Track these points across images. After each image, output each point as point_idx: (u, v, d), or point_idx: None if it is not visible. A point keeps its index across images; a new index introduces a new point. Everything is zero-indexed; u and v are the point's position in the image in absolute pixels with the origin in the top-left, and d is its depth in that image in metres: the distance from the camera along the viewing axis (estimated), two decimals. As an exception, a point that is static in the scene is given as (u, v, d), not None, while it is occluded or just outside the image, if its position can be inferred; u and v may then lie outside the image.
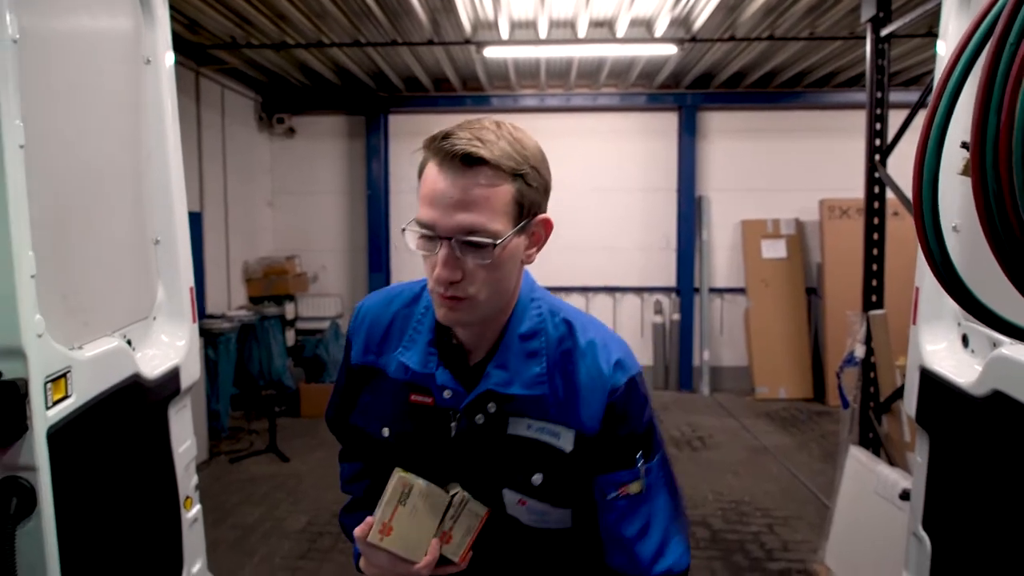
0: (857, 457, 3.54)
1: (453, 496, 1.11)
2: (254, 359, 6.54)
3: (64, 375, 1.35)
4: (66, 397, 1.36)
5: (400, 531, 1.08)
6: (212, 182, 6.61)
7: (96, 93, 1.65)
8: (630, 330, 7.93)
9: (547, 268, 7.72)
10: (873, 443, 3.68)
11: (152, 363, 1.81)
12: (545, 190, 1.09)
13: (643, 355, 7.87)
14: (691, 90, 7.59)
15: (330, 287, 8.04)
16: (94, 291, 1.61)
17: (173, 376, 1.88)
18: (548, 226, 1.11)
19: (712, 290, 7.85)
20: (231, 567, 3.71)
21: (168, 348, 1.94)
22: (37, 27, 1.35)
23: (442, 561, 1.12)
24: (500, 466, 1.14)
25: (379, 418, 1.21)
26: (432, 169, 1.03)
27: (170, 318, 1.99)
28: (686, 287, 7.78)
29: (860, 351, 3.74)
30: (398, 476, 1.10)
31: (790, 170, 7.69)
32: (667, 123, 7.81)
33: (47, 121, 1.40)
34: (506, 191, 1.01)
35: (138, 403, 1.69)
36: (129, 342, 1.73)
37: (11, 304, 1.21)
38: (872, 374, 3.72)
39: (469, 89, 7.67)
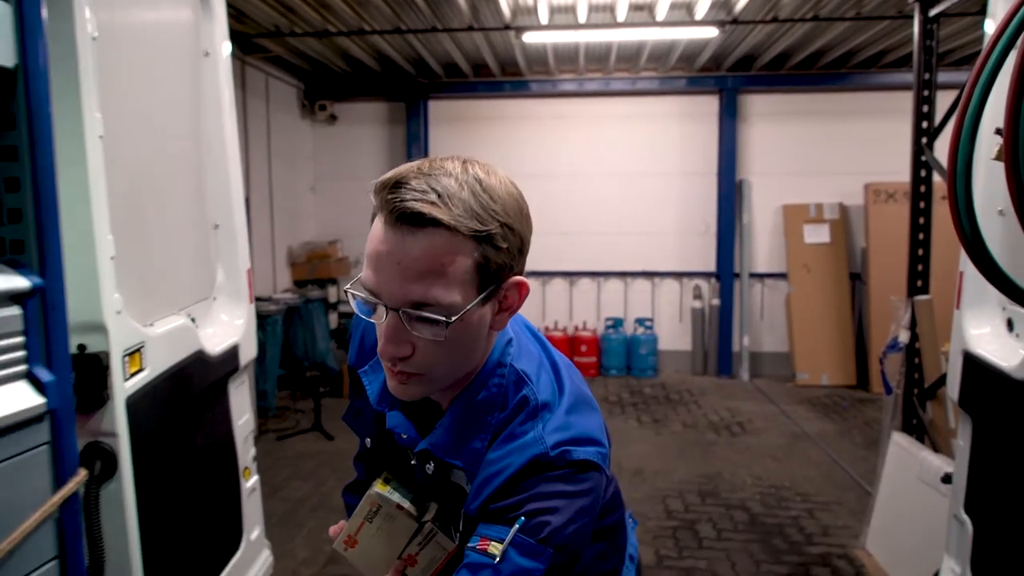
0: (900, 443, 3.51)
1: (423, 524, 1.07)
2: (298, 341, 6.72)
3: (139, 349, 1.46)
4: (141, 370, 1.47)
5: (363, 546, 1.08)
6: (257, 168, 6.79)
7: (162, 86, 1.75)
8: (669, 315, 7.92)
9: (585, 253, 7.79)
10: (917, 430, 3.64)
11: (214, 340, 1.92)
12: (520, 249, 0.91)
13: (682, 340, 7.87)
14: (732, 73, 7.48)
15: (371, 271, 8.18)
16: (163, 272, 1.71)
17: (233, 353, 1.99)
18: (523, 290, 0.93)
19: (752, 275, 7.77)
20: (281, 539, 3.87)
21: (228, 327, 2.05)
22: (111, 24, 1.44)
23: None
24: (447, 508, 1.06)
25: (364, 427, 1.16)
26: (378, 224, 0.86)
27: (229, 299, 2.10)
28: (726, 272, 7.72)
29: (904, 337, 3.69)
30: (370, 493, 1.08)
31: (834, 153, 7.55)
32: (707, 106, 7.72)
33: (121, 113, 1.49)
34: (466, 258, 0.85)
35: (202, 377, 1.79)
36: (193, 320, 1.84)
37: (94, 283, 1.32)
38: (916, 360, 3.68)
39: (508, 74, 7.68)
